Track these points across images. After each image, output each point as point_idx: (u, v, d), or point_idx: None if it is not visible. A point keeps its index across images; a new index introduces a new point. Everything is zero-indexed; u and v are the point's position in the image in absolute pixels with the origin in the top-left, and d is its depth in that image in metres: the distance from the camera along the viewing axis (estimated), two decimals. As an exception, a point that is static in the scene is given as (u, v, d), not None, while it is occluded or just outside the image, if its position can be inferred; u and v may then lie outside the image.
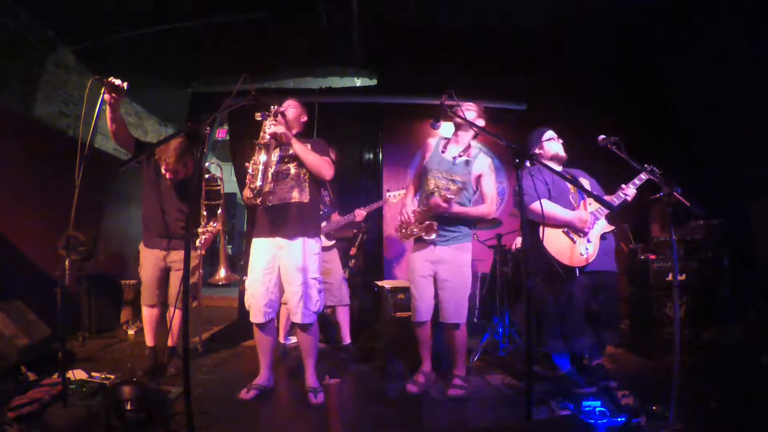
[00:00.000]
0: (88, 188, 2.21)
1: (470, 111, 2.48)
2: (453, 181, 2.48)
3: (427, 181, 2.52)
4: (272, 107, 2.30)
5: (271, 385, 2.46)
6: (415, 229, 2.50)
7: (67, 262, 2.39)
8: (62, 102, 4.39)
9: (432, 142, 2.63)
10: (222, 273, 2.47)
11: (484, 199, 2.51)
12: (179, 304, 2.52)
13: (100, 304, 3.89)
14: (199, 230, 2.67)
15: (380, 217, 5.00)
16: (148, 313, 2.77)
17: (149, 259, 2.74)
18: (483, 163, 2.53)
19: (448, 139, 2.60)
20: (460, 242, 2.49)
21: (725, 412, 2.06)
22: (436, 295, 2.52)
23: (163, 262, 2.73)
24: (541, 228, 2.35)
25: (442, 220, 2.46)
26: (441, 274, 2.47)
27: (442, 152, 2.55)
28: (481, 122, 2.49)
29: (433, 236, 2.43)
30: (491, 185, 2.51)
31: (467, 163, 2.51)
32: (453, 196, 2.39)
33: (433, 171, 2.52)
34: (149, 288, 2.74)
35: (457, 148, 2.54)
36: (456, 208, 2.42)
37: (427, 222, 2.45)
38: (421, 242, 2.52)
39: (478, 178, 2.51)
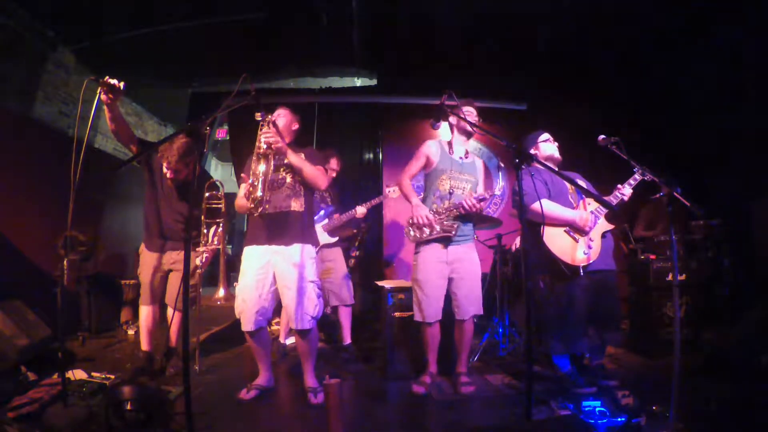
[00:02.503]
0: (88, 188, 2.21)
1: (472, 113, 2.60)
2: (467, 180, 2.57)
3: (442, 182, 2.53)
4: (267, 116, 2.27)
5: (272, 385, 2.46)
6: (437, 228, 2.45)
7: (66, 262, 2.39)
8: (62, 102, 4.39)
9: (432, 144, 2.60)
10: (221, 293, 2.42)
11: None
12: (178, 305, 2.51)
13: (100, 304, 3.89)
14: (200, 249, 2.67)
15: (380, 217, 5.00)
16: (143, 313, 2.75)
17: (146, 262, 2.75)
18: (480, 165, 2.70)
19: (449, 141, 2.64)
20: (470, 241, 2.57)
21: (725, 412, 2.06)
22: (447, 295, 2.53)
23: (160, 263, 2.73)
24: (542, 228, 2.36)
25: (461, 221, 2.49)
26: (457, 273, 2.49)
27: (450, 153, 2.59)
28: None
29: (454, 233, 2.45)
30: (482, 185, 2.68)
31: (473, 163, 2.64)
32: (485, 196, 2.46)
33: (448, 172, 2.52)
34: (144, 289, 2.75)
35: (461, 148, 2.64)
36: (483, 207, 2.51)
37: (451, 223, 2.45)
38: (431, 244, 2.50)
39: (480, 179, 2.65)
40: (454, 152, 2.60)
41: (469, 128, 2.54)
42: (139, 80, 4.85)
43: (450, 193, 2.51)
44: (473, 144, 5.25)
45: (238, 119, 5.02)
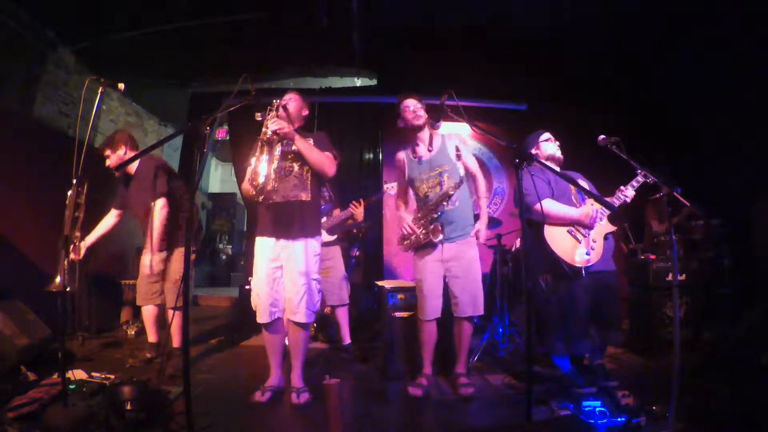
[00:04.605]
0: (88, 188, 2.22)
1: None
2: (438, 174, 2.52)
3: (418, 189, 2.58)
4: (274, 101, 2.28)
5: (284, 385, 2.42)
6: (421, 236, 2.50)
7: (66, 262, 2.39)
8: (62, 102, 4.39)
9: (401, 155, 2.67)
10: (57, 280, 2.36)
11: (475, 178, 2.61)
12: (178, 304, 2.52)
13: (100, 304, 3.89)
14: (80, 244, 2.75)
15: (380, 217, 5.00)
16: (142, 311, 2.96)
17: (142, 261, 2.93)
18: (454, 141, 2.59)
19: (414, 145, 2.63)
20: (465, 237, 2.52)
21: (725, 412, 2.06)
22: (445, 293, 2.53)
23: (150, 263, 2.87)
24: (543, 228, 2.36)
25: (447, 220, 2.49)
26: (452, 271, 2.49)
27: (414, 158, 2.60)
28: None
29: (440, 237, 2.46)
30: (470, 158, 2.61)
31: (441, 147, 2.57)
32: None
33: (417, 178, 2.57)
34: (137, 287, 3.01)
35: (423, 146, 2.59)
36: (485, 223, 2.51)
37: (432, 225, 2.46)
38: (426, 244, 2.51)
39: (459, 156, 2.56)
40: (418, 152, 2.58)
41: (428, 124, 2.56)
42: (139, 80, 4.86)
43: (426, 197, 2.53)
44: (472, 143, 5.26)
45: (238, 119, 5.03)
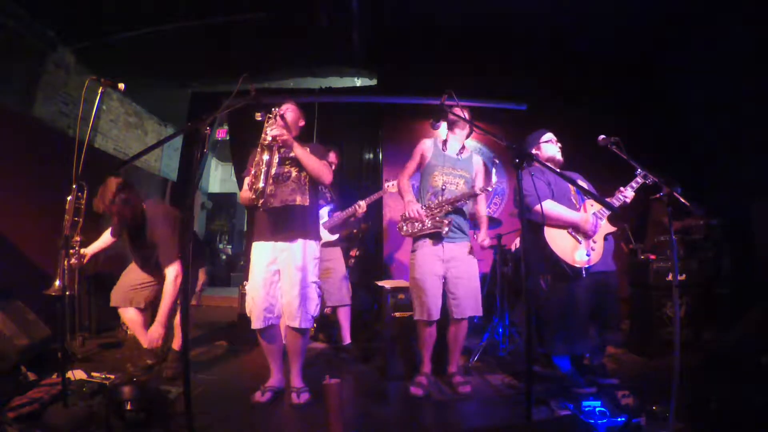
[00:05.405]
0: (88, 188, 2.22)
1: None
2: (460, 176, 2.57)
3: (434, 177, 2.56)
4: (273, 109, 2.30)
5: (283, 386, 2.41)
6: (428, 223, 2.46)
7: (66, 262, 2.39)
8: (62, 102, 4.39)
9: (427, 142, 2.67)
10: (57, 283, 2.38)
11: (477, 201, 2.66)
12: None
13: (100, 304, 3.88)
14: (83, 250, 2.72)
15: (380, 217, 5.00)
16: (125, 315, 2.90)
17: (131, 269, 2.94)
18: (479, 161, 2.70)
19: (444, 138, 2.67)
20: (465, 240, 2.56)
21: (725, 412, 2.06)
22: (444, 293, 2.52)
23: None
24: (544, 229, 2.36)
25: (455, 216, 2.51)
26: (453, 272, 2.49)
27: (443, 150, 2.62)
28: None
29: (446, 230, 2.45)
30: (482, 184, 2.70)
31: (469, 159, 2.65)
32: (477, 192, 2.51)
33: (439, 167, 2.56)
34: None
35: (457, 144, 2.64)
36: (487, 233, 2.65)
37: (446, 219, 2.44)
38: (428, 241, 2.50)
39: (475, 175, 2.65)
40: (448, 148, 2.62)
41: (465, 125, 2.60)
42: (139, 80, 4.86)
43: (442, 189, 2.51)
44: (473, 144, 5.26)
45: (238, 119, 5.02)
